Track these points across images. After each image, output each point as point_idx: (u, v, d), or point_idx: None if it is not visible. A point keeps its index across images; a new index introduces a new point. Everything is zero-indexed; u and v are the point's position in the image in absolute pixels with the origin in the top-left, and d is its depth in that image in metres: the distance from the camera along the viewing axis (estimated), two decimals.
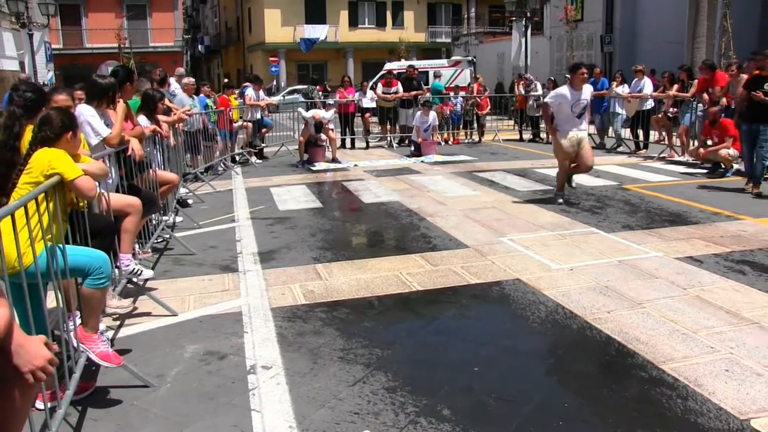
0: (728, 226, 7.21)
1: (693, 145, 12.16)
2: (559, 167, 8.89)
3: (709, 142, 11.10)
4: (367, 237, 7.48)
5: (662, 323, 4.54)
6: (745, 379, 3.73)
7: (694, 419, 3.37)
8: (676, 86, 13.22)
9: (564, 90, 8.56)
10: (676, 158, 12.72)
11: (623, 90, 14.37)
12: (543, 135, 17.11)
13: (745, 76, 11.21)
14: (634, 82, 14.17)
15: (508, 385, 3.84)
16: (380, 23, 45.63)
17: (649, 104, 13.82)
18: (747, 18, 20.56)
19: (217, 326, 4.72)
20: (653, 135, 14.19)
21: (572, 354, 4.28)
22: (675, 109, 13.15)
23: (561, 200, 8.73)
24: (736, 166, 10.77)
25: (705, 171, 11.13)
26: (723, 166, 10.84)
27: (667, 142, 13.35)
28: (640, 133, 14.19)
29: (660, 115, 13.47)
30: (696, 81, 12.62)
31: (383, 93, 15.98)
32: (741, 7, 20.11)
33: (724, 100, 11.37)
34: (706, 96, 11.96)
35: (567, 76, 9.23)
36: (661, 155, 13.06)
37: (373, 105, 16.19)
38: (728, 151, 10.68)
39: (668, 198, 8.93)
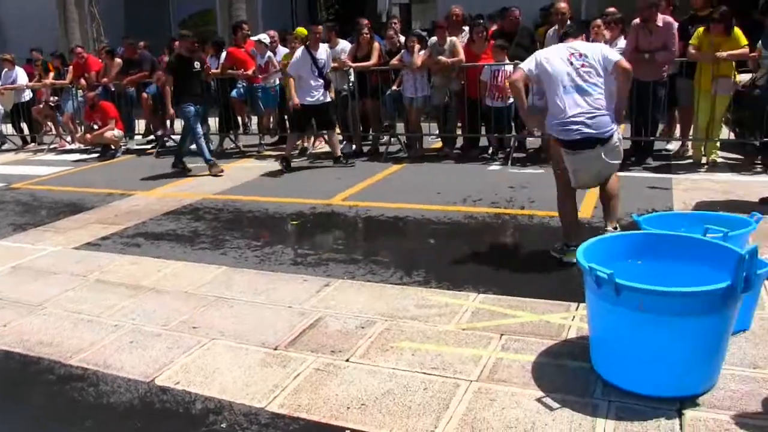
0: (122, 204, 7.43)
1: (81, 131, 12.12)
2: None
3: (95, 126, 11.18)
4: None
5: (66, 318, 4.39)
6: (148, 344, 3.88)
7: (107, 400, 3.35)
8: (51, 74, 12.89)
9: (550, 49, 4.99)
10: (68, 147, 12.52)
11: None
12: None
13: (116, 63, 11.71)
14: (4, 73, 13.22)
15: None
16: None
17: (27, 95, 13.16)
18: (113, 3, 21.21)
19: None
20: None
21: None
22: (56, 98, 12.86)
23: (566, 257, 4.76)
24: (123, 147, 11.20)
25: (97, 155, 11.21)
26: (113, 148, 11.09)
27: (54, 132, 13.01)
28: (25, 126, 13.46)
29: (41, 106, 12.98)
30: (71, 66, 12.52)
31: None
32: None
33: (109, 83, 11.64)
34: (83, 81, 12.00)
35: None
36: (52, 146, 12.68)
37: None
38: (113, 132, 10.97)
39: (63, 189, 8.72)
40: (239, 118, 11.20)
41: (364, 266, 5.00)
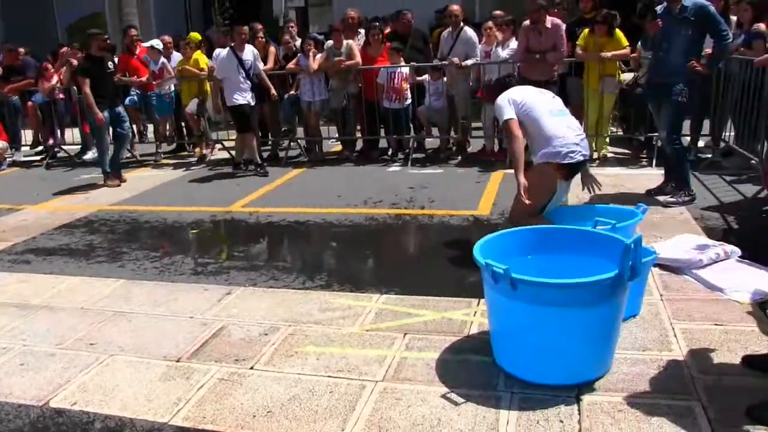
0: (9, 220, 7.05)
1: None
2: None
3: None
4: None
5: None
6: (41, 365, 3.70)
7: None
8: None
9: (514, 88, 4.79)
10: None
11: None
12: None
13: None
14: None
15: None
16: None
17: None
18: None
19: None
20: None
21: None
22: None
23: None
24: (9, 159, 10.65)
25: None
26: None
27: None
28: None
29: None
30: None
31: None
32: None
33: None
34: None
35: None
36: None
37: None
38: None
39: None
40: (134, 126, 10.84)
41: (266, 272, 4.95)
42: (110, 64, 8.60)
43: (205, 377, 3.42)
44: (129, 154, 10.40)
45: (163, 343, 3.85)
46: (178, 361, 3.62)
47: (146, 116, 10.57)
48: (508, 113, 4.51)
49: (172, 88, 10.09)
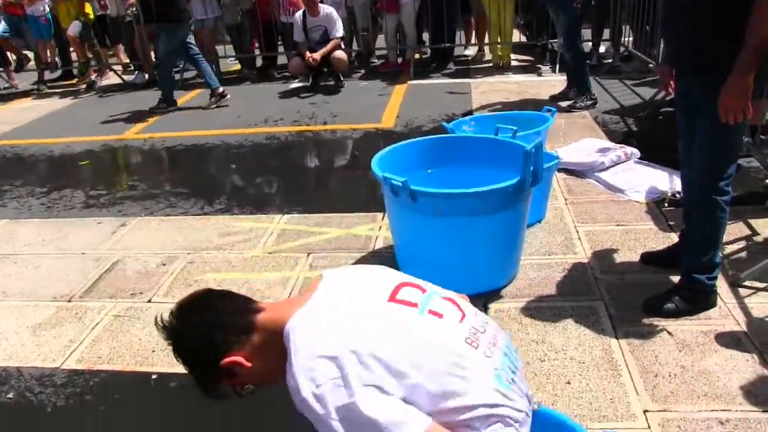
0: None
1: None
2: None
3: None
4: None
5: None
6: None
7: None
8: None
9: None
10: None
11: None
12: None
13: None
14: None
15: None
16: None
17: None
18: None
19: None
20: None
21: None
22: None
23: None
24: None
25: None
26: None
27: None
28: None
29: None
30: None
31: None
32: None
33: None
34: None
35: None
36: None
37: None
38: None
39: None
40: (10, 55, 9.97)
41: (163, 200, 4.69)
42: None
43: (99, 315, 3.22)
44: (6, 85, 9.66)
45: (53, 283, 3.60)
46: (69, 301, 3.39)
47: (24, 43, 9.70)
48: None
49: (47, 9, 9.26)
